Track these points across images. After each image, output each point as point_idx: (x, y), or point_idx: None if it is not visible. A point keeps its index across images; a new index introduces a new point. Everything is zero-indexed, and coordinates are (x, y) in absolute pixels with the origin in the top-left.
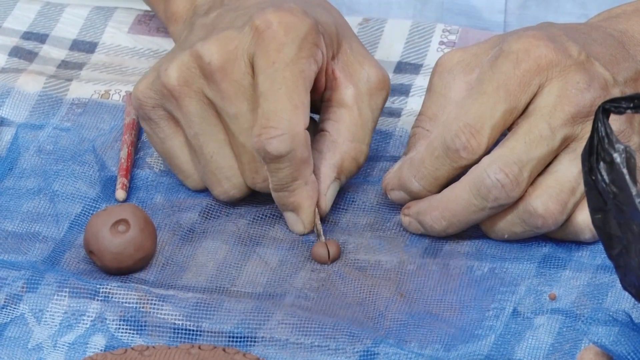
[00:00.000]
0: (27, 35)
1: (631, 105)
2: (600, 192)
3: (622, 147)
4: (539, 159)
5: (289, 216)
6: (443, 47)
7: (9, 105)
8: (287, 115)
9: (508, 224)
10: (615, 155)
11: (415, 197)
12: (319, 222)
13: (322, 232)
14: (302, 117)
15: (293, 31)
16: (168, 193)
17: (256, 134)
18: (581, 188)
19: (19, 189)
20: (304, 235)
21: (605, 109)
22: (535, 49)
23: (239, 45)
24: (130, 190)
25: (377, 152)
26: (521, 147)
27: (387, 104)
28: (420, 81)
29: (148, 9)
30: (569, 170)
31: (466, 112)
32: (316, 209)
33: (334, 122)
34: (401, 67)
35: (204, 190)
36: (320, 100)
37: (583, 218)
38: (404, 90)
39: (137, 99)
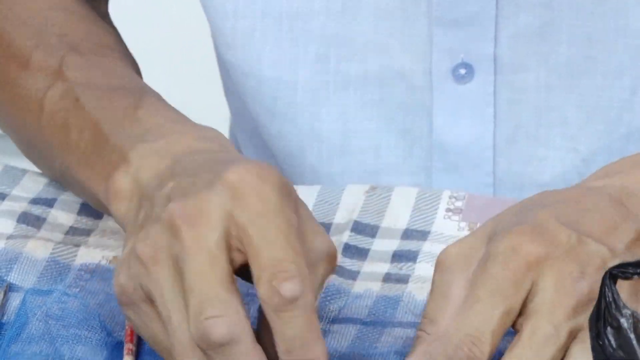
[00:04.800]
0: (35, 201)
1: (638, 270)
2: (607, 358)
3: (629, 312)
4: (550, 359)
5: None
6: (450, 214)
7: (17, 271)
8: (293, 259)
9: None
10: (623, 320)
11: None
12: None
13: None
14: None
15: (269, 180)
16: None
17: (264, 292)
18: None
19: (27, 354)
20: None
21: (613, 275)
22: (521, 247)
23: (212, 200)
24: (138, 354)
25: (385, 317)
26: (529, 353)
27: (394, 270)
28: (428, 247)
29: None
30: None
31: (464, 321)
32: None
33: None
34: (408, 234)
35: None
36: None
37: None
38: (411, 257)
39: (118, 286)
